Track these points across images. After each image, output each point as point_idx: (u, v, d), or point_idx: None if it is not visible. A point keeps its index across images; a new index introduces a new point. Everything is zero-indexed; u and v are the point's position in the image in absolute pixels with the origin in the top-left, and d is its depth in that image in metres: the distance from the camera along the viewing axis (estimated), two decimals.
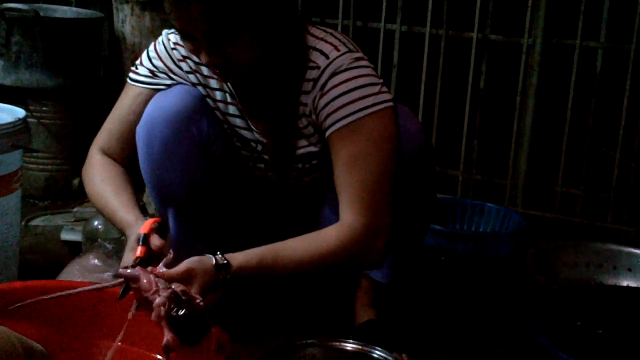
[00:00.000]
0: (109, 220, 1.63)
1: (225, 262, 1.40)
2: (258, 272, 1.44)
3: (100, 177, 1.65)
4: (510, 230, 2.47)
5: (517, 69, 2.73)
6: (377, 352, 1.53)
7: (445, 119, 2.86)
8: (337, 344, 1.57)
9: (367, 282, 1.79)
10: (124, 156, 1.69)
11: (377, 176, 1.49)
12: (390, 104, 1.53)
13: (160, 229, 1.48)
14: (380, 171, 1.50)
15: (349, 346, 1.56)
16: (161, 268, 1.37)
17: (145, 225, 1.45)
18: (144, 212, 1.69)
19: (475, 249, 2.35)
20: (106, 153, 1.69)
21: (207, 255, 1.41)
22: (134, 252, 1.42)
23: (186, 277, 1.36)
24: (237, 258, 1.42)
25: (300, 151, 1.65)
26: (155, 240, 1.43)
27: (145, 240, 1.42)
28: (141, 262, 1.39)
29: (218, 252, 1.42)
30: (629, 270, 2.18)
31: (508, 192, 2.80)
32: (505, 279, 2.24)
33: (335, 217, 1.60)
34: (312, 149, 1.64)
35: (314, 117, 1.57)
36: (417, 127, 1.65)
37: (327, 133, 1.53)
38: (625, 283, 2.15)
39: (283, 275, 1.48)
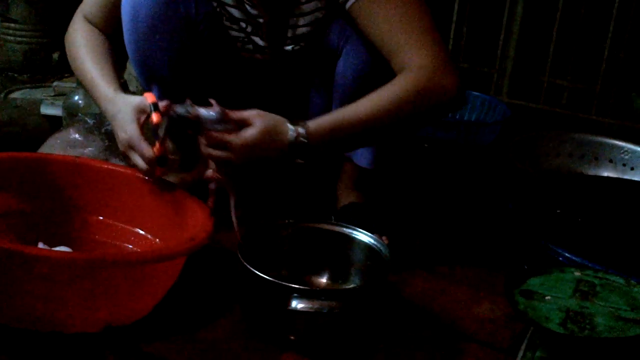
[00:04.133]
0: (87, 90, 1.60)
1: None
2: (335, 132, 1.41)
3: (83, 43, 1.61)
4: (495, 119, 2.46)
5: None
6: (358, 233, 1.54)
7: (435, 5, 2.79)
8: (319, 224, 1.58)
9: (351, 166, 1.79)
10: (108, 25, 1.64)
11: (418, 19, 1.48)
12: None
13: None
14: (420, 15, 1.50)
15: (330, 227, 1.58)
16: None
17: (150, 95, 1.43)
18: (125, 88, 1.67)
19: (459, 137, 2.34)
20: (90, 21, 1.65)
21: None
22: (141, 122, 1.42)
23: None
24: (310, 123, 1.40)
25: (298, 31, 1.62)
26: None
27: (156, 107, 1.40)
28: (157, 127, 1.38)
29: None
30: (610, 161, 2.20)
31: (494, 81, 2.77)
32: (487, 166, 2.25)
33: (321, 101, 1.58)
34: (305, 29, 1.61)
35: None
36: None
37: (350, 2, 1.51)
38: (605, 174, 2.17)
39: (362, 131, 1.44)
